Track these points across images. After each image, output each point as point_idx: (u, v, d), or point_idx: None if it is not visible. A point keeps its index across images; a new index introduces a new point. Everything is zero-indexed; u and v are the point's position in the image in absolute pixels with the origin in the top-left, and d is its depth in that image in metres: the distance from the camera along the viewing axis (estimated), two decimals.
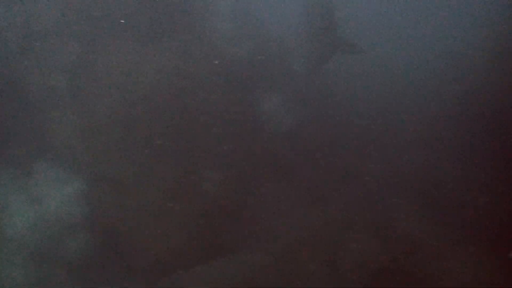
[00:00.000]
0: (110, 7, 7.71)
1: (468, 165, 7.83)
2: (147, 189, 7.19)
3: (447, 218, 7.46)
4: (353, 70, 9.13)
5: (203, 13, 8.41)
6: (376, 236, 7.27)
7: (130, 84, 7.27)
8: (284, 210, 7.38)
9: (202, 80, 7.63)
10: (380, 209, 7.66)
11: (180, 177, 7.35)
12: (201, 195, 7.34)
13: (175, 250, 6.82)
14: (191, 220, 7.09)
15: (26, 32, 7.42)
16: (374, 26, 9.48)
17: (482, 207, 7.42)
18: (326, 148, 8.06)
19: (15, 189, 6.91)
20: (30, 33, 7.42)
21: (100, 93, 7.26)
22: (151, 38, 7.62)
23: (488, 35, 8.46)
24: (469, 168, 7.81)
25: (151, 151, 7.26)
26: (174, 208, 7.10)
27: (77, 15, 7.66)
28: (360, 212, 7.54)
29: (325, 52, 8.79)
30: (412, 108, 8.70)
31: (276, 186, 7.61)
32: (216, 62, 7.54)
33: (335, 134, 8.27)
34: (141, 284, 6.56)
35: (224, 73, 7.74)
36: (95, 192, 7.08)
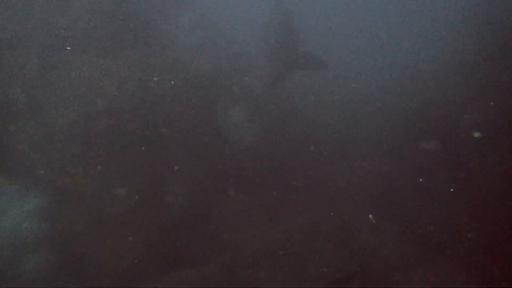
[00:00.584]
0: (72, 20, 7.62)
1: (429, 176, 8.01)
2: (109, 203, 7.07)
3: (412, 227, 7.59)
4: (314, 84, 9.28)
5: (165, 26, 8.42)
6: (341, 247, 7.33)
7: (92, 97, 7.16)
8: (247, 223, 7.37)
9: (164, 93, 7.59)
10: (345, 219, 7.74)
11: (142, 191, 7.26)
12: (164, 209, 7.27)
13: (136, 265, 6.70)
14: (153, 234, 7.01)
15: None
16: (337, 40, 9.71)
17: (444, 217, 7.59)
18: (288, 160, 8.14)
19: None
20: None
21: (60, 106, 7.11)
22: (113, 51, 7.56)
23: (449, 48, 8.72)
24: (430, 179, 8.00)
25: (112, 165, 7.15)
26: (136, 222, 6.99)
27: (37, 27, 7.54)
28: (325, 222, 7.60)
29: (283, 69, 8.84)
30: (372, 120, 8.87)
31: (239, 198, 7.61)
32: (172, 82, 7.54)
33: (297, 146, 8.36)
34: None
35: (187, 86, 7.73)
36: (54, 207, 6.91)
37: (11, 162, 6.97)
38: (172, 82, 7.62)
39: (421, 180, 7.97)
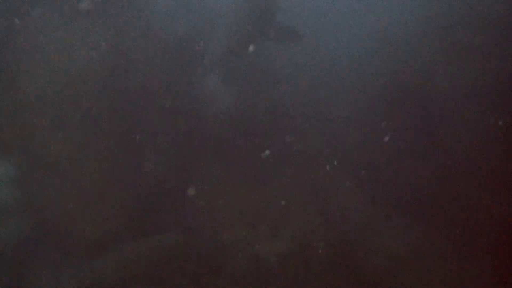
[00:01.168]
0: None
1: (399, 139, 8.16)
2: (84, 171, 6.95)
3: (385, 192, 7.75)
4: (289, 52, 9.25)
5: None
6: (317, 211, 7.44)
7: (62, 62, 6.96)
8: (224, 190, 7.38)
9: (139, 59, 7.44)
10: (322, 184, 7.84)
11: (118, 159, 7.16)
12: (141, 177, 7.20)
13: (111, 232, 6.65)
14: (130, 202, 6.95)
15: None
16: (315, 13, 9.65)
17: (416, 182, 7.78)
18: (265, 126, 8.14)
19: None
20: None
21: (28, 71, 6.90)
22: (84, 14, 7.33)
23: (433, 28, 8.78)
24: (401, 142, 8.14)
25: (86, 132, 7.02)
26: (112, 190, 6.92)
27: None
28: (301, 188, 7.68)
29: (258, 35, 8.78)
30: (348, 86, 8.94)
31: (217, 166, 7.60)
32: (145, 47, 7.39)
33: (275, 113, 8.36)
34: (77, 267, 6.32)
35: (161, 52, 7.59)
36: (26, 176, 6.75)
37: None
38: (147, 47, 7.47)
39: (392, 143, 8.11)
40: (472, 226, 6.94)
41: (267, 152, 8.00)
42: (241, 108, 8.12)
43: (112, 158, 7.14)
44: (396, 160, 8.01)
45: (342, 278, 6.58)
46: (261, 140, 8.04)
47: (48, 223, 6.75)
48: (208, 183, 7.53)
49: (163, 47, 7.69)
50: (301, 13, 9.77)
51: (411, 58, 8.41)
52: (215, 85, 8.10)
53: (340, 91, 8.97)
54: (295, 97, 8.63)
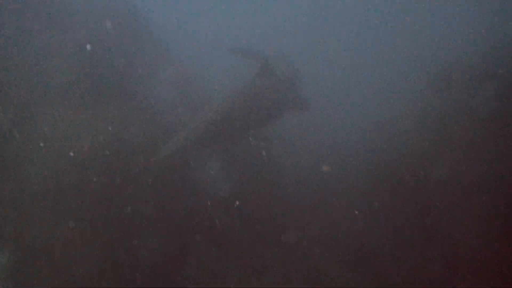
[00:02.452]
0: (49, 74, 7.71)
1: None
2: (78, 261, 6.85)
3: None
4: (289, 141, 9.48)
5: (144, 81, 8.58)
6: None
7: (65, 151, 7.12)
8: (220, 279, 7.23)
9: (141, 146, 7.61)
10: (320, 277, 7.68)
11: (113, 246, 7.09)
12: (135, 264, 7.08)
13: None
14: None
15: None
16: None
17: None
18: (264, 215, 8.13)
19: None
20: None
21: (33, 160, 7.04)
22: (89, 105, 7.62)
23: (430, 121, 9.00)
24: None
25: (83, 219, 7.00)
26: (107, 276, 6.78)
27: (13, 82, 7.60)
28: (298, 279, 7.52)
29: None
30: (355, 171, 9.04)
31: (212, 254, 7.49)
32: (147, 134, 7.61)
33: (273, 200, 8.38)
34: None
35: (163, 137, 7.76)
36: (21, 265, 6.65)
37: None
38: (150, 135, 7.66)
39: (392, 232, 8.04)
40: None
41: (265, 239, 7.93)
42: (240, 195, 8.16)
43: (108, 245, 7.07)
44: (395, 249, 7.90)
45: None
46: (259, 228, 8.01)
47: None
48: (203, 271, 7.39)
49: (164, 133, 7.88)
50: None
51: (409, 148, 8.58)
52: (215, 171, 8.20)
53: (340, 180, 9.06)
54: (294, 186, 8.70)
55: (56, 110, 7.36)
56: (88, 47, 8.14)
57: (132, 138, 7.70)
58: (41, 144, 7.03)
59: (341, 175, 8.96)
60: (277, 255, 7.82)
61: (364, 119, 9.66)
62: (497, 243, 7.01)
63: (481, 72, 7.89)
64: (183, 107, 8.93)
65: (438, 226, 7.86)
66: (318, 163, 9.25)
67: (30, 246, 6.69)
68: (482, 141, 7.47)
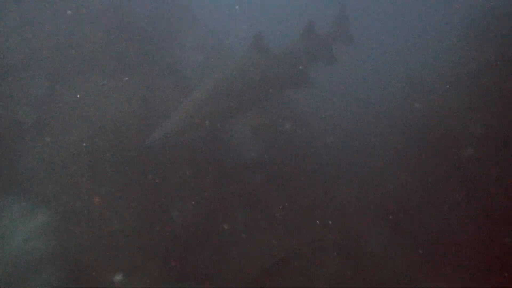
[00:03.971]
0: (79, 43, 7.84)
1: (434, 185, 7.97)
2: (116, 221, 7.11)
3: (419, 238, 7.53)
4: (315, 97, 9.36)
5: (172, 45, 8.60)
6: (348, 260, 7.27)
7: (97, 116, 7.31)
8: (254, 239, 7.34)
9: (170, 111, 7.68)
10: (351, 233, 7.70)
11: (148, 207, 7.30)
12: (169, 225, 7.29)
13: (141, 279, 6.69)
14: (159, 249, 7.00)
15: None
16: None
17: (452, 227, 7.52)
18: (296, 176, 8.14)
19: None
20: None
21: (67, 125, 7.28)
22: (118, 71, 7.74)
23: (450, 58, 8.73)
24: (436, 188, 7.95)
25: (119, 183, 7.22)
26: (142, 238, 7.01)
27: (46, 50, 7.78)
28: (330, 236, 7.56)
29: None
30: (375, 132, 8.88)
31: (245, 215, 7.59)
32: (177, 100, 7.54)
33: (305, 161, 8.37)
34: None
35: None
36: (61, 226, 6.96)
37: (19, 181, 7.09)
38: (177, 99, 7.73)
39: (427, 190, 7.93)
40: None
41: (296, 200, 7.97)
42: (272, 157, 8.18)
43: (142, 207, 7.28)
44: (427, 206, 7.80)
45: None
46: (289, 190, 8.04)
47: (81, 273, 6.88)
48: (236, 233, 7.51)
49: None
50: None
51: (443, 103, 8.31)
52: (246, 134, 8.22)
53: (373, 136, 8.93)
54: (324, 147, 8.64)
55: (87, 77, 7.51)
56: (114, 13, 8.21)
57: (160, 103, 7.78)
58: (75, 110, 7.23)
59: (374, 131, 8.82)
60: (310, 215, 7.84)
61: (393, 76, 9.43)
62: None
63: None
64: (210, 73, 8.93)
65: (474, 183, 7.68)
66: (347, 125, 9.12)
67: (69, 206, 6.99)
68: None
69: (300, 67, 8.81)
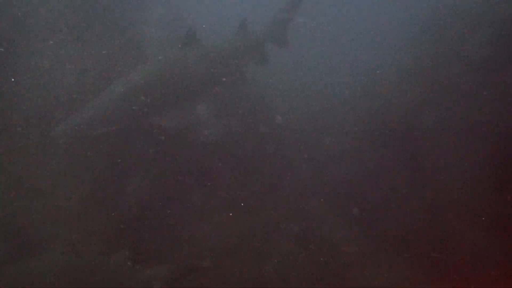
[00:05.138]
0: (36, 7, 7.53)
1: (389, 176, 8.17)
2: (65, 194, 6.95)
3: (373, 226, 7.72)
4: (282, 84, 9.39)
5: (133, 19, 8.38)
6: (301, 245, 7.38)
7: (52, 85, 7.08)
8: (206, 218, 7.35)
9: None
10: (308, 220, 7.81)
11: (101, 182, 7.17)
12: (123, 201, 7.19)
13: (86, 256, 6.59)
14: (110, 226, 6.91)
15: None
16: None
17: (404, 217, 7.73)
18: (252, 157, 8.17)
19: None
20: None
21: (19, 93, 7.01)
22: (77, 41, 7.49)
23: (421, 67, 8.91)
24: (390, 179, 8.15)
25: (70, 155, 7.04)
26: (92, 213, 6.90)
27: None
28: (286, 220, 7.65)
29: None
30: (336, 122, 9.02)
31: (199, 194, 7.58)
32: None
33: (261, 142, 8.40)
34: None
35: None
36: (8, 196, 6.76)
37: None
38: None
39: (381, 180, 8.12)
40: (458, 263, 6.86)
41: (254, 182, 8.01)
42: (229, 137, 8.15)
43: (95, 181, 7.15)
44: (385, 197, 7.98)
45: None
46: (247, 170, 8.07)
47: (27, 245, 6.71)
48: (191, 212, 7.50)
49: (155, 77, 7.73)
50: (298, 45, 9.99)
51: (400, 96, 8.50)
52: (204, 114, 8.14)
53: (332, 126, 9.05)
54: (285, 129, 8.69)
55: (42, 44, 7.25)
56: None
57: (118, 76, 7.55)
58: (29, 78, 6.98)
59: (333, 121, 8.93)
60: (266, 197, 7.90)
61: (356, 67, 9.55)
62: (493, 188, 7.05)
63: (476, 17, 7.68)
64: (172, 47, 8.76)
65: (427, 175, 7.92)
66: (308, 110, 9.19)
67: (20, 179, 6.78)
68: (474, 88, 7.40)
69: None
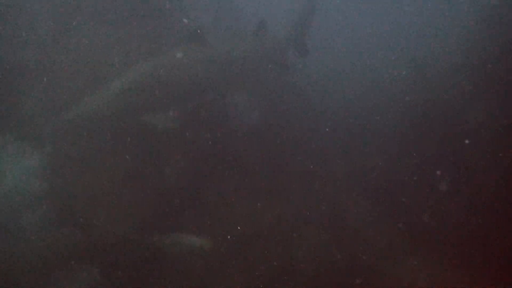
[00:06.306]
0: None
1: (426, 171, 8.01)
2: (108, 170, 7.25)
3: (404, 218, 7.62)
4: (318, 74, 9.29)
5: (180, 1, 8.50)
6: (330, 234, 7.39)
7: (100, 64, 7.36)
8: (239, 204, 7.45)
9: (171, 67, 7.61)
10: (337, 208, 7.80)
11: (141, 161, 7.42)
12: (160, 181, 7.40)
13: (129, 229, 6.88)
14: (148, 201, 7.14)
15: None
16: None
17: (437, 213, 7.60)
18: (288, 145, 8.20)
19: None
20: (3, 6, 7.49)
21: (69, 70, 7.34)
22: (123, 21, 7.71)
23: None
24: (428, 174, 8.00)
25: (115, 133, 7.28)
26: (131, 188, 7.16)
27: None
28: (316, 209, 7.67)
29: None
30: (376, 115, 8.88)
31: (234, 180, 7.68)
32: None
33: (298, 132, 8.41)
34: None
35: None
36: (55, 168, 7.13)
37: (18, 121, 7.23)
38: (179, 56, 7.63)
39: (419, 175, 7.98)
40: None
41: (286, 170, 8.05)
42: (267, 125, 8.19)
43: (136, 159, 7.40)
44: (425, 192, 7.84)
45: None
46: (281, 159, 8.10)
47: (73, 214, 7.06)
48: (223, 197, 7.61)
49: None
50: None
51: (446, 89, 8.27)
52: (243, 102, 8.22)
53: (372, 117, 8.92)
54: (320, 118, 8.64)
55: (92, 24, 7.52)
56: None
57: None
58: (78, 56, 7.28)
59: (374, 112, 8.79)
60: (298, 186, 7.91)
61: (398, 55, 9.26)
62: None
63: None
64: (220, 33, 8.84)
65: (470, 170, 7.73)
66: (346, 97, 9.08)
67: (65, 151, 7.14)
68: None
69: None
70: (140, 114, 6.95)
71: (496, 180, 7.31)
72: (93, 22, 7.60)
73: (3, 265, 6.40)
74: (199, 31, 7.37)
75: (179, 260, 6.77)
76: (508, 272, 6.54)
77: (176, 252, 6.83)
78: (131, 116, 6.97)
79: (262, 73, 8.52)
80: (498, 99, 7.50)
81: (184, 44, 7.38)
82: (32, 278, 6.40)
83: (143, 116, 6.95)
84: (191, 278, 6.64)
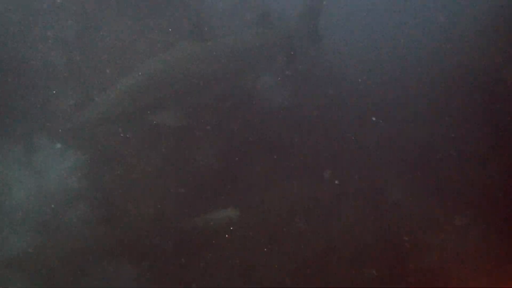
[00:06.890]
0: None
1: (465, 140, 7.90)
2: (144, 165, 7.37)
3: (440, 190, 7.58)
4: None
5: None
6: (368, 206, 7.38)
7: (126, 60, 7.45)
8: (275, 182, 7.49)
9: (195, 57, 7.66)
10: (373, 182, 7.77)
11: (174, 152, 7.52)
12: (195, 168, 7.50)
13: (165, 221, 7.00)
14: (183, 190, 7.25)
15: (26, 10, 7.65)
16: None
17: (476, 182, 7.48)
18: (321, 123, 8.18)
19: (17, 163, 7.17)
20: (31, 11, 7.63)
21: (97, 68, 7.47)
22: (145, 15, 7.78)
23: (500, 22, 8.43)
24: (466, 143, 7.88)
25: (149, 125, 7.37)
26: (168, 180, 7.27)
27: None
28: (352, 185, 7.65)
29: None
30: (410, 82, 8.77)
31: (268, 159, 7.72)
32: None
33: (330, 109, 8.38)
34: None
35: (219, 50, 7.79)
36: (93, 166, 7.27)
37: (53, 122, 7.39)
38: (204, 46, 7.67)
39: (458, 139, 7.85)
40: None
41: (319, 148, 8.04)
42: (298, 105, 8.18)
43: (170, 152, 7.51)
44: (460, 157, 7.82)
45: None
46: (314, 135, 8.10)
47: (111, 210, 7.21)
48: (259, 175, 7.65)
49: (219, 47, 7.87)
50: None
51: (479, 52, 8.11)
52: (272, 83, 8.22)
53: (408, 86, 8.84)
54: (352, 96, 8.58)
55: (116, 20, 7.62)
56: None
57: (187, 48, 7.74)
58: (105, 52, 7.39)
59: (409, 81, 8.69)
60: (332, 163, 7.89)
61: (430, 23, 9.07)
62: None
63: None
64: (238, 21, 8.82)
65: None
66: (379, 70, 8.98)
67: (101, 147, 7.28)
68: None
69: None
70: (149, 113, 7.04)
71: None
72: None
73: (47, 261, 6.53)
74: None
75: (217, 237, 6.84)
76: None
77: (212, 228, 6.92)
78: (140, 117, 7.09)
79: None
80: None
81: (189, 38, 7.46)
82: (73, 273, 6.57)
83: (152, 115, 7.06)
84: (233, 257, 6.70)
